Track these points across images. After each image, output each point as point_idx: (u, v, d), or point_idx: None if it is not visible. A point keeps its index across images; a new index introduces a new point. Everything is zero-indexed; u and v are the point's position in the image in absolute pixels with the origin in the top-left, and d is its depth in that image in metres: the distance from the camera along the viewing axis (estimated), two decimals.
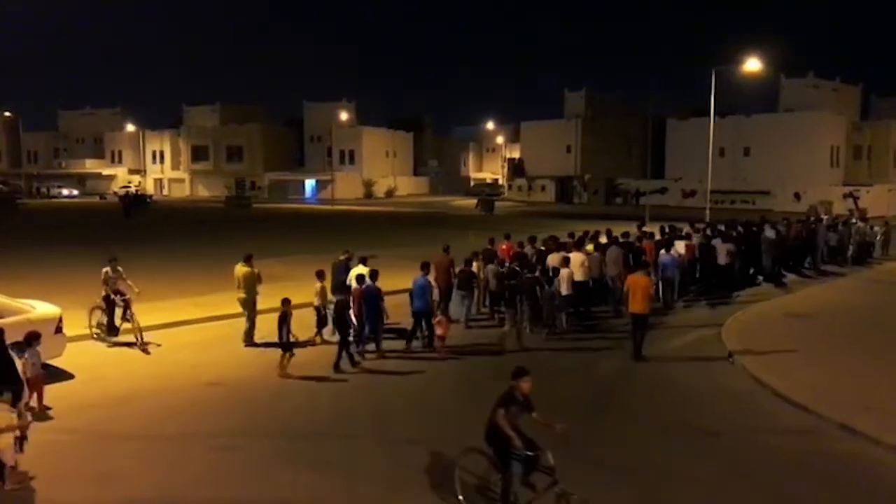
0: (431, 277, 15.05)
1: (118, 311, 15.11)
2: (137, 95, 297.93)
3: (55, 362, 12.19)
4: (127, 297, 15.06)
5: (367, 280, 13.85)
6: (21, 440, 8.37)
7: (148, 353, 14.28)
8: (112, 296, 14.96)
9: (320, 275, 15.05)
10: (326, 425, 10.36)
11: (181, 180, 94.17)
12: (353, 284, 14.04)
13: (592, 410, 11.15)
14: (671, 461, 9.15)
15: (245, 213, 59.21)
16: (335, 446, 9.52)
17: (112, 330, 15.03)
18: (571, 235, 20.17)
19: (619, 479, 8.61)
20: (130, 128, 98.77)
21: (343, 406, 11.22)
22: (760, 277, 22.72)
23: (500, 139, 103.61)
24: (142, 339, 14.64)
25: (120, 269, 15.30)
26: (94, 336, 15.16)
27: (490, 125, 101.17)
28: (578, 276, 16.76)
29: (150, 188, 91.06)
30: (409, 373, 12.96)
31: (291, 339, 12.89)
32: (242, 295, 14.81)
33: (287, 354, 12.78)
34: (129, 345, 14.61)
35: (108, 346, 14.71)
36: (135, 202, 54.99)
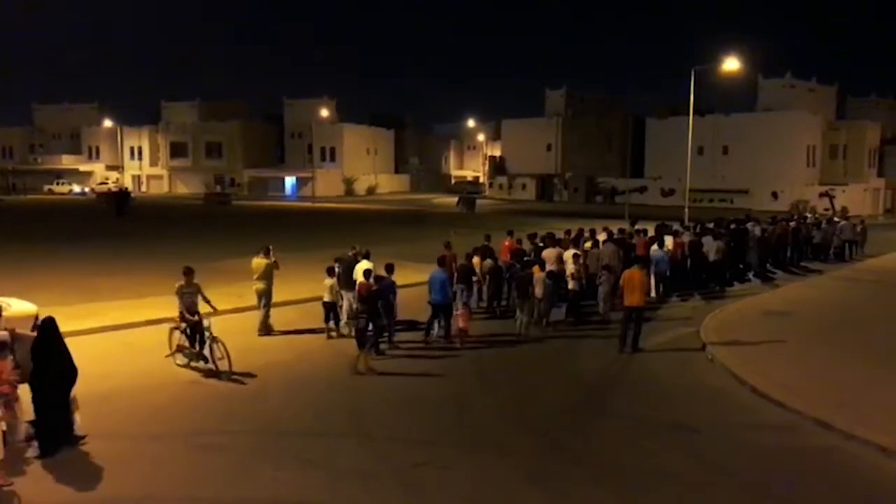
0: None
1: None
2: (115, 91, 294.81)
3: None
4: (197, 317, 12.78)
5: (373, 275, 14.29)
6: (5, 436, 8.30)
7: (243, 383, 12.13)
8: (186, 314, 12.79)
9: (330, 271, 15.31)
10: (340, 423, 10.36)
11: (160, 177, 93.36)
12: (360, 279, 14.36)
13: (571, 407, 11.23)
14: (650, 457, 9.24)
15: (225, 210, 58.86)
16: (349, 444, 9.53)
17: (200, 356, 12.74)
18: (568, 232, 20.85)
19: (596, 475, 8.68)
20: (108, 123, 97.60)
21: (360, 401, 11.21)
22: (750, 273, 23.41)
23: (481, 137, 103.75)
24: (229, 366, 12.31)
25: (196, 281, 13.15)
26: (179, 364, 12.90)
27: (471, 123, 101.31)
28: (572, 273, 17.28)
29: (128, 185, 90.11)
30: (438, 359, 13.00)
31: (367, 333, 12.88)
32: (260, 285, 15.27)
33: (365, 349, 12.81)
34: (214, 375, 12.37)
35: (182, 367, 12.81)
36: (125, 199, 52.60)
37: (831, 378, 12.23)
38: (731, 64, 33.81)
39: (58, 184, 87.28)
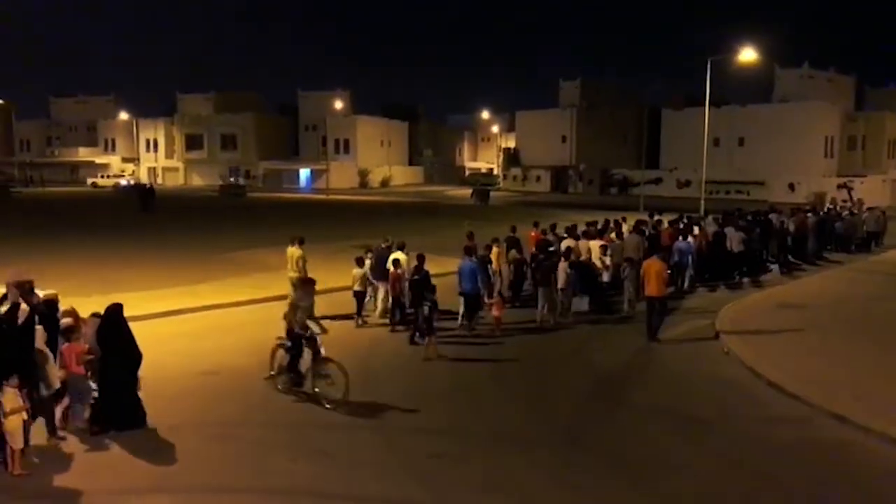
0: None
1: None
2: (131, 83, 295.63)
3: None
4: (309, 332, 10.92)
5: (403, 265, 14.93)
6: (28, 424, 8.44)
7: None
8: (299, 329, 10.95)
9: (360, 261, 15.68)
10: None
11: (175, 169, 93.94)
12: (391, 269, 14.97)
13: (585, 398, 11.24)
14: (664, 449, 9.23)
15: (240, 202, 59.11)
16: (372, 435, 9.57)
17: (297, 378, 10.96)
18: (593, 224, 21.04)
19: (611, 466, 8.68)
20: (124, 116, 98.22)
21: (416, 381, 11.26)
22: (773, 266, 23.58)
23: (495, 128, 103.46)
24: (345, 392, 10.36)
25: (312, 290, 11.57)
26: (280, 388, 11.14)
27: (485, 114, 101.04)
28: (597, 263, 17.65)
29: (143, 177, 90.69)
30: (481, 345, 13.04)
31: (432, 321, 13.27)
32: (293, 274, 15.83)
33: (431, 337, 13.20)
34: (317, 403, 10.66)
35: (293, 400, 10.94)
36: (150, 193, 48.28)
37: (847, 371, 12.14)
38: (748, 54, 33.56)
39: (102, 177, 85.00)
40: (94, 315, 10.04)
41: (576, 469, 8.59)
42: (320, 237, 29.11)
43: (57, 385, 9.25)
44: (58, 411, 9.44)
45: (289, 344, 11.10)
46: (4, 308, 9.15)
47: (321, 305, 15.96)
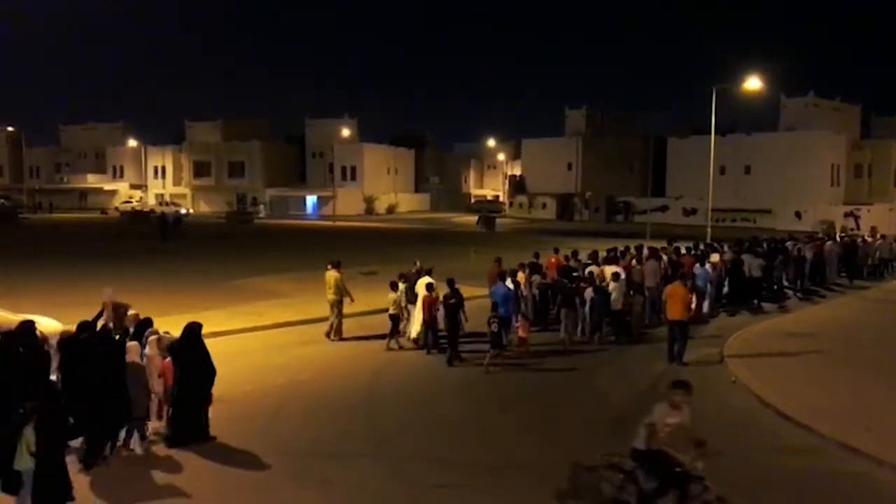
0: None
1: None
2: (139, 110, 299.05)
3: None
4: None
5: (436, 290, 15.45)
6: None
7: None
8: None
9: (394, 285, 16.29)
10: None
11: (183, 196, 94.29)
12: (422, 293, 15.55)
13: (594, 426, 11.12)
14: None
15: (247, 228, 59.27)
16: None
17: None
18: (613, 250, 21.57)
19: None
20: (132, 143, 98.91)
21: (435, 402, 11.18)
22: (790, 292, 23.90)
23: (501, 156, 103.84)
24: None
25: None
26: None
27: (491, 142, 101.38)
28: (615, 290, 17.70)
29: (151, 203, 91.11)
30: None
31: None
32: (332, 296, 16.68)
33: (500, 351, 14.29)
34: None
35: None
36: (174, 222, 46.97)
37: (858, 401, 12.01)
38: (753, 83, 33.63)
39: (162, 203, 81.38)
40: (166, 333, 10.70)
41: (585, 498, 8.46)
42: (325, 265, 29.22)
43: (151, 395, 9.88)
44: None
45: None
46: (100, 324, 10.49)
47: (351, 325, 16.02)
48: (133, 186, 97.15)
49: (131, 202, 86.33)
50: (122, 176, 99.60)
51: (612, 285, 17.02)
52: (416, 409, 11.98)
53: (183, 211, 74.84)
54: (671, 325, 14.86)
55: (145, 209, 76.74)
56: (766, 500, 8.52)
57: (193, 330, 10.43)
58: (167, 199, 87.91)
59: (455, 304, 14.94)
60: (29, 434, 7.47)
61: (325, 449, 10.04)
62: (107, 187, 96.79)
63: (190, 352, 10.20)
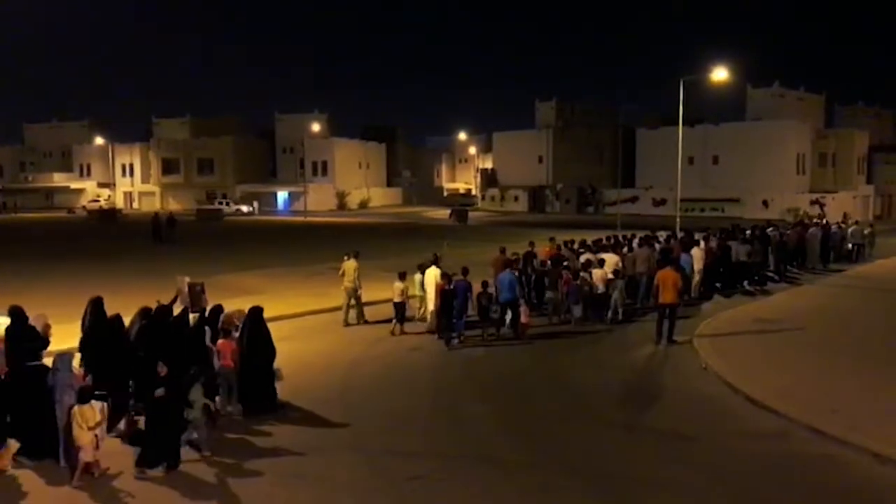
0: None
1: None
2: (106, 108, 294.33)
3: None
4: None
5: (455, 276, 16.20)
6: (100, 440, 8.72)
7: None
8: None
9: (402, 276, 17.27)
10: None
11: (151, 193, 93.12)
12: (434, 281, 16.51)
13: (567, 415, 11.23)
14: (645, 465, 9.24)
15: (218, 225, 58.70)
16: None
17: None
18: (609, 238, 23.02)
19: (592, 484, 8.68)
20: (99, 141, 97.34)
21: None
22: (776, 276, 25.06)
23: (472, 150, 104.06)
24: None
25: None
26: None
27: (462, 136, 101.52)
28: (610, 275, 18.59)
29: (119, 202, 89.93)
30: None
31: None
32: (349, 284, 17.74)
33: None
34: None
35: None
36: (168, 223, 44.53)
37: (825, 385, 12.25)
38: (720, 74, 34.02)
39: (220, 203, 76.99)
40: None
41: (558, 487, 8.57)
42: (297, 260, 29.13)
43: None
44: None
45: None
46: (178, 309, 11.64)
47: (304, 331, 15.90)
48: (101, 185, 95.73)
49: (99, 201, 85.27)
50: (89, 174, 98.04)
51: (597, 273, 18.04)
52: (418, 397, 12.01)
53: (245, 209, 75.06)
54: (662, 307, 15.57)
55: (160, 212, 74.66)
56: (735, 482, 8.68)
57: (254, 312, 11.53)
58: (105, 197, 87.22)
59: (450, 292, 15.81)
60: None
61: (298, 443, 10.01)
62: (73, 186, 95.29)
63: (254, 332, 11.29)
